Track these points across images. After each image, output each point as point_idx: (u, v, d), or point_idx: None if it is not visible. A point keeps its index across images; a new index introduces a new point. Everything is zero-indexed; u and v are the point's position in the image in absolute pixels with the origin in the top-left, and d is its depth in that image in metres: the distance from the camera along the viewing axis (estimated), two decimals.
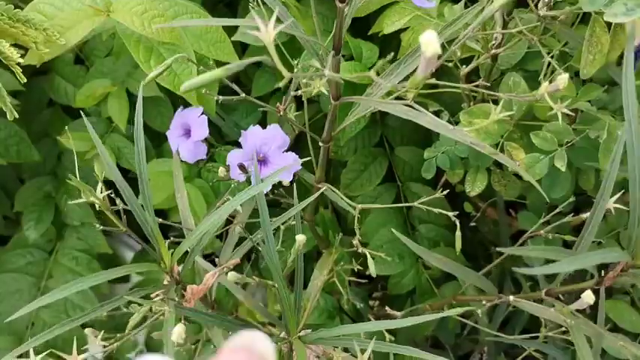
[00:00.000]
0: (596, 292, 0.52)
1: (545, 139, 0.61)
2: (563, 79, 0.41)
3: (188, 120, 0.72)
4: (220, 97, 0.58)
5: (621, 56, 0.60)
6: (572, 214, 0.61)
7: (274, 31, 0.32)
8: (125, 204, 0.47)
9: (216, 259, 0.58)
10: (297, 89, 0.58)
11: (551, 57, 0.59)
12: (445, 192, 0.64)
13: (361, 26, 0.74)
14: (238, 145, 0.67)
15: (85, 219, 0.88)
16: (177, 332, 0.45)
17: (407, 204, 0.69)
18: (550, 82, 0.43)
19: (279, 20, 0.47)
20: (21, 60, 0.58)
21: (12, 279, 0.88)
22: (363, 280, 0.76)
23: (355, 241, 0.63)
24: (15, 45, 0.59)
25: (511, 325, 0.84)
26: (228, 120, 0.83)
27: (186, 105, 0.73)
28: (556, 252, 0.54)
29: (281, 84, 0.38)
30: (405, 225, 0.83)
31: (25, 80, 0.60)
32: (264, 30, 0.32)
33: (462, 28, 0.49)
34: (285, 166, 0.64)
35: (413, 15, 0.67)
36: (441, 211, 0.61)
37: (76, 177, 0.45)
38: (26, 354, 0.45)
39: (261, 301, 0.86)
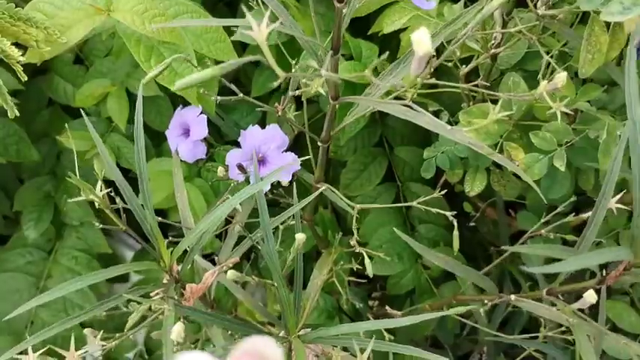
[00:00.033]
0: (596, 292, 0.52)
1: (544, 139, 0.61)
2: (561, 77, 0.41)
3: (187, 119, 0.72)
4: (219, 98, 0.58)
5: (620, 56, 0.60)
6: (572, 214, 0.61)
7: (267, 31, 0.32)
8: (125, 203, 0.47)
9: (216, 259, 0.58)
10: (297, 89, 0.58)
11: (551, 57, 0.59)
12: (444, 192, 0.64)
13: (361, 26, 0.74)
14: (238, 145, 0.67)
15: (85, 218, 0.88)
16: (177, 331, 0.45)
17: (406, 204, 0.69)
18: (549, 81, 0.43)
19: (277, 20, 0.47)
20: (22, 58, 0.58)
21: (11, 278, 0.88)
22: (363, 280, 0.76)
23: (353, 241, 0.63)
24: (14, 44, 0.59)
25: (510, 325, 0.84)
26: (228, 119, 0.83)
27: (186, 104, 0.73)
28: (558, 251, 0.54)
29: (276, 84, 0.38)
30: (404, 225, 0.83)
31: (26, 79, 0.60)
32: (256, 29, 0.32)
33: (462, 27, 0.49)
34: (284, 165, 0.64)
35: (412, 15, 0.67)
36: (439, 211, 0.61)
37: (75, 176, 0.45)
38: (25, 352, 0.45)
39: (261, 300, 0.86)
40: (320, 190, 0.59)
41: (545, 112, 0.63)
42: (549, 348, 0.71)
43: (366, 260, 0.63)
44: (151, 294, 0.45)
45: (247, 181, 0.64)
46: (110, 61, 0.83)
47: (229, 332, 0.56)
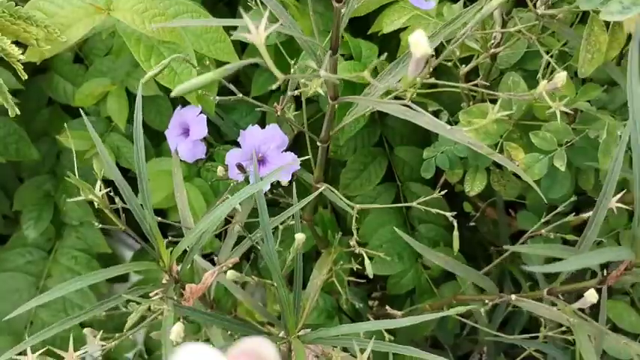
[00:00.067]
0: (596, 292, 0.52)
1: (544, 138, 0.61)
2: (561, 77, 0.41)
3: (186, 119, 0.72)
4: (218, 98, 0.58)
5: (620, 55, 0.60)
6: (572, 214, 0.61)
7: (265, 34, 0.32)
8: (124, 203, 0.47)
9: (215, 259, 0.58)
10: (296, 88, 0.58)
11: (551, 56, 0.59)
12: (444, 192, 0.64)
13: (361, 25, 0.74)
14: (237, 145, 0.67)
15: (84, 218, 0.88)
16: (176, 331, 0.45)
17: (406, 204, 0.69)
18: (549, 81, 0.43)
19: (276, 20, 0.47)
20: (22, 57, 0.58)
21: (11, 278, 0.88)
22: (362, 280, 0.76)
23: (352, 242, 0.63)
24: (14, 43, 0.59)
25: (510, 325, 0.83)
26: (228, 119, 0.83)
27: (186, 104, 0.73)
28: (559, 250, 0.54)
29: (274, 86, 0.38)
30: (404, 225, 0.83)
31: (26, 77, 0.60)
32: (254, 32, 0.32)
33: (461, 27, 0.49)
34: (284, 165, 0.64)
35: (412, 14, 0.67)
36: (438, 211, 0.61)
37: (75, 175, 0.45)
38: (25, 353, 0.45)
39: (260, 300, 0.86)
40: (320, 190, 0.59)
41: (545, 112, 0.63)
42: (549, 348, 0.71)
43: (366, 261, 0.62)
44: (150, 294, 0.45)
45: (247, 180, 0.64)
46: (110, 61, 0.83)
47: (229, 332, 0.56)
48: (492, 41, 0.62)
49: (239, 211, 0.59)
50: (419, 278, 0.81)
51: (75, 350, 0.46)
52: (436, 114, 0.70)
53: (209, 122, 0.72)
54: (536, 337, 0.68)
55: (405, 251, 0.80)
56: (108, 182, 0.49)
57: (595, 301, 0.52)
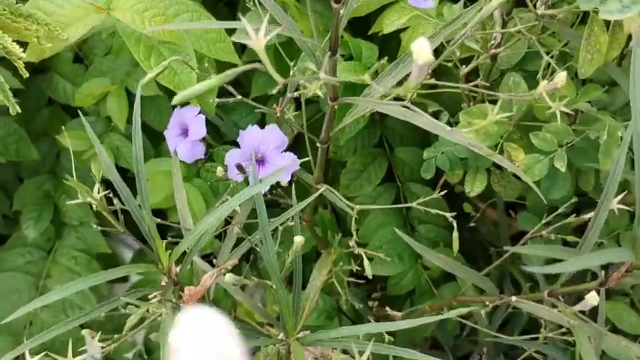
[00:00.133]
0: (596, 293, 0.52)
1: (544, 139, 0.61)
2: (561, 77, 0.41)
3: (185, 119, 0.72)
4: (217, 100, 0.58)
5: (621, 56, 0.60)
6: (573, 215, 0.61)
7: (264, 40, 0.31)
8: (123, 204, 0.47)
9: (215, 260, 0.58)
10: (296, 89, 0.58)
11: (551, 57, 0.59)
12: (444, 192, 0.64)
13: (361, 26, 0.74)
14: (237, 145, 0.67)
15: (84, 218, 0.88)
16: None
17: (406, 204, 0.69)
18: (549, 81, 0.43)
19: (276, 22, 0.46)
20: (23, 55, 0.58)
21: (10, 278, 0.87)
22: (362, 281, 0.76)
23: (352, 242, 0.63)
24: (15, 41, 0.59)
25: (510, 327, 0.83)
26: (227, 119, 0.83)
27: (185, 104, 0.72)
28: (559, 252, 0.54)
29: (274, 91, 0.38)
30: (404, 226, 0.83)
31: (27, 75, 0.60)
32: (254, 38, 0.31)
33: (461, 27, 0.49)
34: (284, 166, 0.64)
35: (412, 15, 0.67)
36: (438, 211, 0.61)
37: (73, 177, 0.45)
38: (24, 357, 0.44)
39: (260, 301, 0.86)
40: (319, 190, 0.59)
41: (546, 113, 0.63)
42: (549, 349, 0.71)
43: (365, 261, 0.62)
44: (149, 297, 0.45)
45: (246, 181, 0.64)
46: (110, 60, 0.83)
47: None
48: (492, 42, 0.62)
49: (238, 212, 0.59)
50: (419, 279, 0.81)
51: (74, 352, 0.46)
52: (436, 115, 0.70)
53: (208, 122, 0.71)
54: (536, 338, 0.68)
55: (405, 252, 0.80)
56: (107, 182, 0.49)
57: (596, 303, 0.51)
